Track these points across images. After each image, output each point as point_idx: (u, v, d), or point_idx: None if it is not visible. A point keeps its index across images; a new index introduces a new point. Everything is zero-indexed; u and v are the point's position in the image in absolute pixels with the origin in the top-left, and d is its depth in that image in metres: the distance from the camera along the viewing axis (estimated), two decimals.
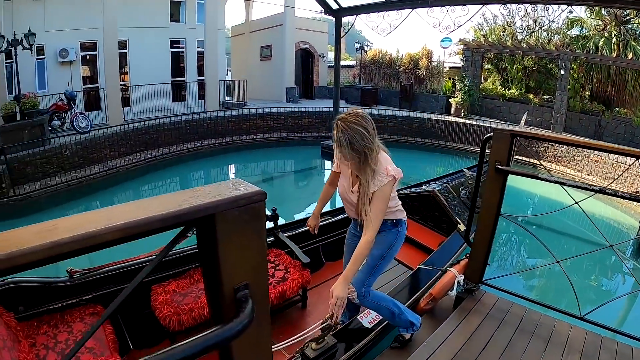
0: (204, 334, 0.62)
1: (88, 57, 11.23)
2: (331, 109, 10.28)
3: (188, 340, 0.61)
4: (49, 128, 8.69)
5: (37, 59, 10.05)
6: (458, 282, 2.52)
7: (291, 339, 1.85)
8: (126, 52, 11.55)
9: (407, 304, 2.54)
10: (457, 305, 2.51)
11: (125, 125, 9.43)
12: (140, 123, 9.76)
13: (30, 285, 2.29)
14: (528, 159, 9.38)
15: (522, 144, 9.48)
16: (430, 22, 6.27)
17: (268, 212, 3.14)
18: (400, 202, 2.16)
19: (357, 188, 1.95)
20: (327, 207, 6.63)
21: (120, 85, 10.89)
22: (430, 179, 4.50)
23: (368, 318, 2.39)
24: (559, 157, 9.31)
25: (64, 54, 10.40)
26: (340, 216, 3.77)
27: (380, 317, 2.35)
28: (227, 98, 14.92)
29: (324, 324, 1.81)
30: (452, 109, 12.64)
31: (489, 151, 2.17)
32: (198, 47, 13.12)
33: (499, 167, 2.09)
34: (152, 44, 11.96)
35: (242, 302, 0.68)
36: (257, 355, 0.78)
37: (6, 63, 8.85)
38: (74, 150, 8.24)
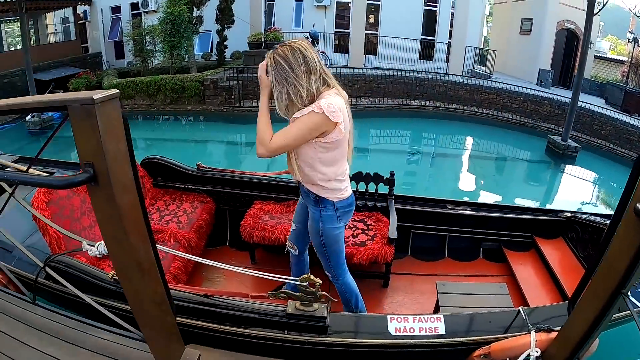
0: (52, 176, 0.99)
1: (350, 4, 12.17)
2: (579, 103, 8.18)
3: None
4: None
5: (297, 0, 11.82)
6: (528, 356, 1.78)
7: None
8: (379, 4, 12.11)
9: (464, 340, 1.98)
10: None
11: (354, 69, 10.16)
12: (369, 70, 10.37)
13: (170, 166, 3.03)
14: None
15: None
16: None
17: (383, 174, 2.95)
18: (343, 182, 1.83)
19: None
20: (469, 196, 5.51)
21: (369, 33, 11.76)
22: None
23: (399, 324, 1.87)
24: None
25: None
26: (466, 210, 3.10)
27: (412, 333, 1.87)
28: (478, 67, 13.80)
29: (278, 292, 1.66)
30: None
31: None
32: (452, 9, 12.54)
33: None
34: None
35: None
36: (112, 224, 1.04)
37: (268, 2, 10.88)
38: None
